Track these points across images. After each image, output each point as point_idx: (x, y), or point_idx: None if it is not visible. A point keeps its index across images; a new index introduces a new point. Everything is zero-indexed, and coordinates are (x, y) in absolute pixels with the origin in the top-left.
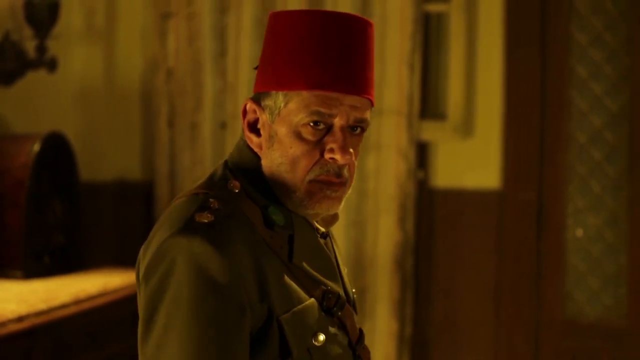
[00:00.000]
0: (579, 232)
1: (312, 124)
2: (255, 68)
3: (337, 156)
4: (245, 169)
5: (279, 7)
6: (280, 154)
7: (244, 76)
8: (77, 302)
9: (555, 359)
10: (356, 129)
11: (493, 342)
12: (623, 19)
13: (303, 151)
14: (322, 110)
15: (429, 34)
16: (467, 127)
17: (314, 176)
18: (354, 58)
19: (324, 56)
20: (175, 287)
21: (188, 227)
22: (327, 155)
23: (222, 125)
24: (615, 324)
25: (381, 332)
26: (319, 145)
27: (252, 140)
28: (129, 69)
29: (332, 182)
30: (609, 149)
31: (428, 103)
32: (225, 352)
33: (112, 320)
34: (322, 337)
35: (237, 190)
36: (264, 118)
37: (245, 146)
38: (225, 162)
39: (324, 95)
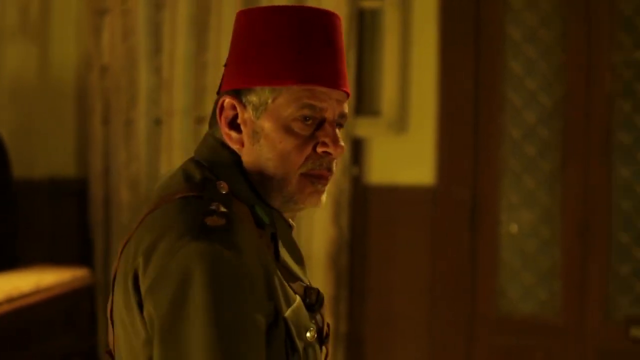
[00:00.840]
0: (513, 228)
1: (301, 118)
2: (225, 65)
3: (331, 149)
4: (224, 167)
5: (214, 3)
6: (268, 150)
7: (179, 73)
8: (10, 300)
9: (489, 355)
10: (336, 124)
11: (427, 338)
12: (557, 14)
13: (294, 146)
14: (314, 103)
15: (364, 31)
16: (401, 124)
17: (306, 170)
18: (335, 52)
19: (311, 51)
20: (199, 293)
21: (203, 232)
22: (320, 149)
23: (157, 122)
24: (549, 320)
25: None
26: (310, 139)
27: (232, 137)
28: (63, 65)
29: (324, 176)
30: (543, 144)
31: (363, 99)
32: (250, 356)
33: (44, 319)
34: (309, 333)
35: (224, 192)
36: (245, 114)
37: (218, 143)
38: (197, 162)
39: (314, 89)
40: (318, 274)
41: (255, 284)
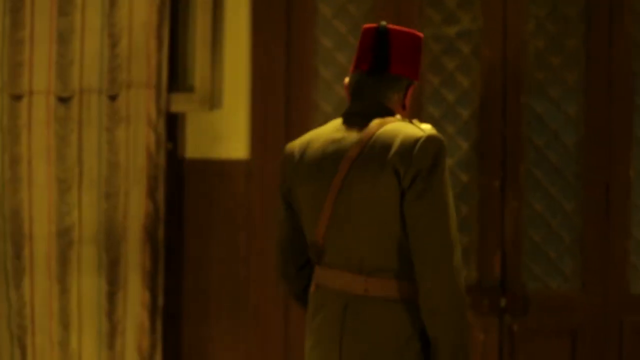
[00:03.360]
0: None
1: None
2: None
3: None
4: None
5: None
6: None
7: None
8: None
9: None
10: None
11: (242, 311)
12: None
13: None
14: None
15: (177, 7)
16: (215, 99)
17: None
18: None
19: None
20: (444, 166)
21: (434, 131)
22: None
23: None
24: None
25: (133, 302)
26: None
27: (407, 105)
28: None
29: None
30: None
31: (177, 75)
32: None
33: None
34: None
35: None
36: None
37: (385, 104)
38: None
39: None
40: (135, 248)
41: None
